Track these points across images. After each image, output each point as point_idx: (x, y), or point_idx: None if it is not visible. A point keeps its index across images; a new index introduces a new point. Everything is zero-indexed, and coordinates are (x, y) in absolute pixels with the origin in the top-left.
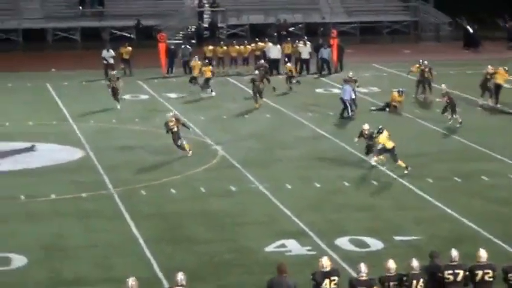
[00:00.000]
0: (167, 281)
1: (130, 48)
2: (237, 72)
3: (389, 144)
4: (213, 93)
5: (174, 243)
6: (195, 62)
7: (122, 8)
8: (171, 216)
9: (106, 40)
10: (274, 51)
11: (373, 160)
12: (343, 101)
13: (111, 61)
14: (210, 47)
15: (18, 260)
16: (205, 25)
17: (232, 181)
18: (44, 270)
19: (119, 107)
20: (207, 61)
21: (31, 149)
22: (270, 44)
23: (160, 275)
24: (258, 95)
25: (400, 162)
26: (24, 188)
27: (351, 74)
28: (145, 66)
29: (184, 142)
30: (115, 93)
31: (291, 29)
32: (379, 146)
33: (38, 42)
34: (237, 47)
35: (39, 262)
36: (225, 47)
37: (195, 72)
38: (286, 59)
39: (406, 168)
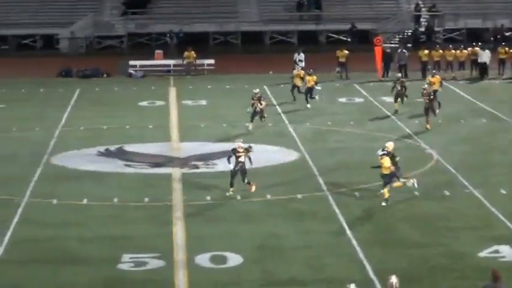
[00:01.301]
0: (380, 284)
1: (346, 51)
2: (452, 77)
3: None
4: (316, 100)
5: (387, 245)
6: (298, 71)
7: (338, 12)
8: (384, 218)
9: (324, 43)
10: (484, 55)
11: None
12: None
13: (302, 64)
14: (426, 51)
15: (234, 259)
16: (422, 29)
17: (446, 185)
18: (258, 270)
19: (250, 127)
20: (311, 70)
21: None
22: (478, 49)
23: (373, 277)
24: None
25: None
26: (240, 189)
27: None
28: (361, 69)
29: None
30: (255, 112)
31: (508, 33)
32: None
33: (255, 45)
34: (453, 51)
35: (254, 261)
36: (441, 51)
37: (297, 82)
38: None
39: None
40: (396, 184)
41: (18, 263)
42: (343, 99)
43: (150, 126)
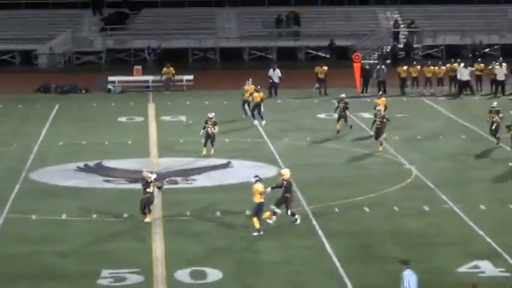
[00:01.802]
0: None
1: (325, 67)
2: (431, 93)
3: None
4: (263, 122)
5: (367, 261)
6: (249, 86)
7: (317, 28)
8: (364, 234)
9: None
10: (463, 72)
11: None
12: None
13: (277, 80)
14: (405, 67)
15: (214, 274)
16: (401, 45)
17: (425, 201)
18: (237, 285)
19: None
20: (259, 87)
21: (227, 165)
22: (461, 66)
23: None
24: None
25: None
26: (219, 204)
27: None
28: (339, 85)
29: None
30: (208, 135)
31: (486, 50)
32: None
33: (234, 61)
34: (432, 67)
35: (233, 277)
36: (419, 67)
37: (246, 96)
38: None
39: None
40: (266, 215)
41: None
42: (321, 115)
43: (129, 142)
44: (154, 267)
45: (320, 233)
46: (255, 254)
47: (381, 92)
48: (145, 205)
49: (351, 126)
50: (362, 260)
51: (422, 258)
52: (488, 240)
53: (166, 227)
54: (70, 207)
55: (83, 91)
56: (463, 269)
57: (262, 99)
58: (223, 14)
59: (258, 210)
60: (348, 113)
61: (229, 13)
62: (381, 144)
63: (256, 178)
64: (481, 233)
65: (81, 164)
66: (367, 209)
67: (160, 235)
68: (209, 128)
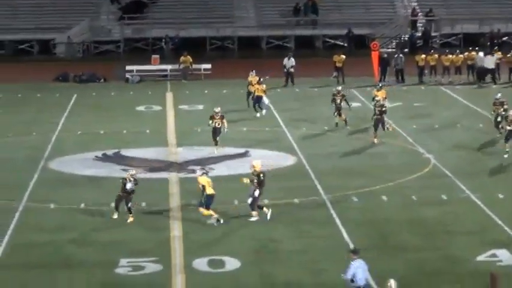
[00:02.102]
0: None
1: (343, 56)
2: (449, 82)
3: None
4: (263, 112)
5: (385, 250)
6: (252, 77)
7: (335, 17)
8: (382, 223)
9: (320, 48)
10: (487, 61)
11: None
12: None
13: (291, 70)
14: (423, 56)
15: (232, 263)
16: (419, 34)
17: (443, 190)
18: (255, 274)
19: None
20: (262, 79)
21: (244, 154)
22: (481, 54)
23: (371, 282)
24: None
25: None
26: (237, 193)
27: None
28: (357, 74)
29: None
30: (214, 132)
31: (504, 38)
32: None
33: (252, 50)
34: (450, 56)
35: (252, 265)
36: (437, 56)
37: (250, 87)
38: None
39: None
40: (206, 212)
41: (15, 268)
42: None
43: (147, 131)
44: (173, 256)
45: (337, 221)
46: (273, 243)
47: (380, 85)
48: (126, 204)
49: (346, 121)
50: (380, 248)
51: (440, 247)
52: (506, 229)
53: (184, 216)
54: (88, 196)
55: (101, 80)
56: (481, 257)
57: (265, 92)
58: (241, 3)
59: (208, 202)
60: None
61: (247, 2)
62: (375, 137)
63: (202, 171)
64: (499, 222)
65: (99, 153)
66: (384, 198)
67: (178, 224)
68: (216, 123)
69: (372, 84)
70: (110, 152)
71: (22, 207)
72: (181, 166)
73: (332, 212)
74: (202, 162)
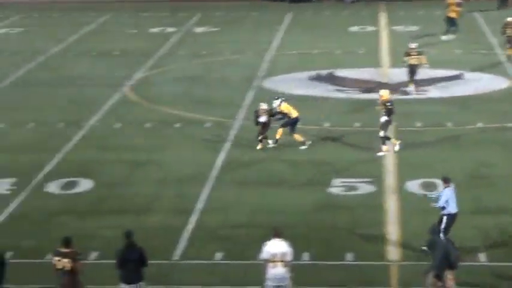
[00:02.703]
0: None
1: None
2: None
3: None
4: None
5: None
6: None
7: None
8: None
9: None
10: None
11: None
12: None
13: None
14: None
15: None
16: None
17: None
18: (467, 197)
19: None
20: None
21: (459, 77)
22: None
23: None
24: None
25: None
26: (451, 116)
27: None
28: None
29: None
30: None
31: None
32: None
33: None
34: None
35: (464, 189)
36: None
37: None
38: None
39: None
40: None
41: (229, 184)
42: None
43: (360, 52)
44: (386, 177)
45: None
46: (486, 167)
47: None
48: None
49: None
50: None
51: None
52: None
53: (398, 139)
54: (302, 116)
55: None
56: None
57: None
58: None
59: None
60: None
61: None
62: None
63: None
64: None
65: (313, 73)
66: None
67: (391, 146)
68: (413, 61)
69: None
70: (323, 72)
71: (238, 125)
72: (394, 87)
73: None
74: (416, 83)
